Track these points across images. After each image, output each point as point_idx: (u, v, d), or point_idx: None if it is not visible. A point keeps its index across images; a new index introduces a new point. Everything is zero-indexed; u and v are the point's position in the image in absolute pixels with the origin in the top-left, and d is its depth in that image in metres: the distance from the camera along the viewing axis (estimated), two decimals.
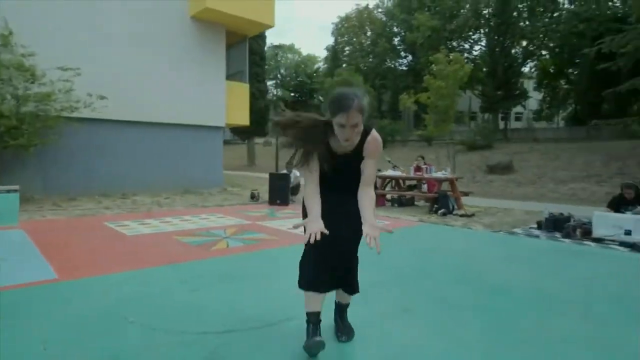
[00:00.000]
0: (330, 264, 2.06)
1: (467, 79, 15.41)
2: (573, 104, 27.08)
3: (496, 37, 25.43)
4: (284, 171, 9.29)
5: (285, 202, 8.67)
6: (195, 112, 11.08)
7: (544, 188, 13.74)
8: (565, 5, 24.49)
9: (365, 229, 1.87)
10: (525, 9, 25.40)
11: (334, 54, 31.31)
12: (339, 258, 2.09)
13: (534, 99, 30.80)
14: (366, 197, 2.01)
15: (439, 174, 8.62)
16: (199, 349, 2.10)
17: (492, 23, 25.40)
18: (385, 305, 2.80)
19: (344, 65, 29.32)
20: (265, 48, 26.76)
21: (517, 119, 34.92)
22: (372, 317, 2.57)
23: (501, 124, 26.97)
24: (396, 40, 32.78)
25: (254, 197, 9.61)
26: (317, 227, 1.84)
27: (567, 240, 5.47)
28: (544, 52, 26.98)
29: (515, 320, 2.61)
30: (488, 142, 20.41)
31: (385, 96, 31.91)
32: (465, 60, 18.21)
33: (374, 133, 2.03)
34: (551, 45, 25.73)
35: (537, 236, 5.75)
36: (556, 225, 6.01)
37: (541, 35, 25.11)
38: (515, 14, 24.54)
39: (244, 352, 2.10)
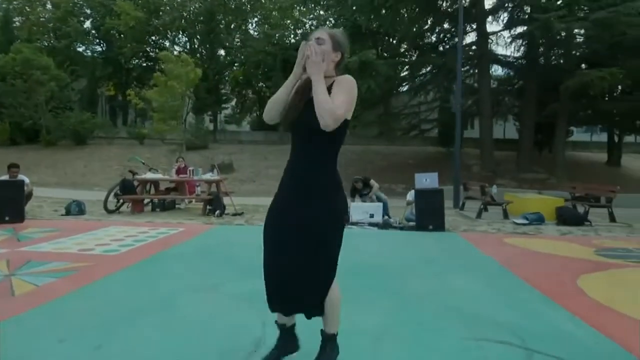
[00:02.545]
0: (279, 277, 1.87)
1: (198, 81, 15.83)
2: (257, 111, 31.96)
3: (201, 43, 26.81)
4: (5, 177, 7.21)
5: (19, 217, 6.69)
6: None
7: (265, 185, 15.97)
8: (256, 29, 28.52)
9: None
10: (223, 23, 27.82)
11: (5, 23, 24.53)
12: (287, 268, 1.85)
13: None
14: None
15: (207, 176, 8.82)
16: None
17: (198, 27, 26.57)
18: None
19: (19, 40, 23.44)
20: None
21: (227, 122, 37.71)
22: None
23: (211, 126, 28.70)
24: (88, 23, 29.04)
25: None
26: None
27: None
28: (236, 64, 30.37)
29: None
30: (204, 143, 21.46)
31: (77, 84, 27.71)
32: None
33: (343, 76, 1.87)
34: (242, 57, 29.27)
35: None
36: None
37: (235, 49, 28.23)
38: (220, 24, 26.58)
39: None
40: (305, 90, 1.87)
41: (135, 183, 8.54)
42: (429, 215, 6.62)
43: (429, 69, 16.47)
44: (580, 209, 8.40)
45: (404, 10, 14.59)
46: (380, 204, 7.37)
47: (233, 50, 28.15)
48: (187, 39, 28.76)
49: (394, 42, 17.48)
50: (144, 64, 29.44)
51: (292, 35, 26.94)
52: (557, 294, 3.36)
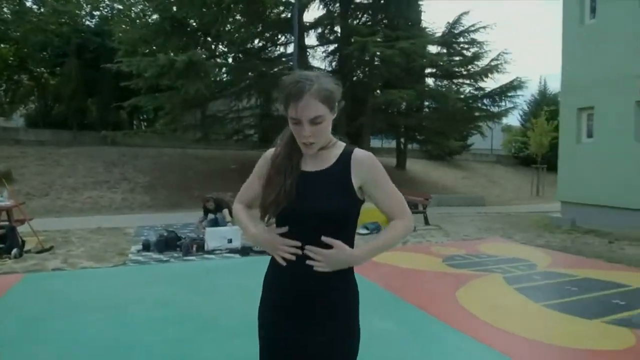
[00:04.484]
0: None
1: None
2: (51, 105, 26.17)
3: None
4: None
5: None
6: None
7: (62, 199, 13.00)
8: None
9: (340, 246, 1.33)
10: None
11: None
12: None
13: None
14: (387, 228, 1.44)
15: None
16: None
17: None
18: None
19: None
20: None
21: None
22: None
23: None
24: None
25: None
26: (276, 240, 1.37)
27: (193, 257, 6.11)
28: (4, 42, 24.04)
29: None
30: None
31: None
32: None
33: (361, 151, 1.44)
34: (16, 34, 23.42)
35: (165, 260, 5.96)
36: (169, 244, 6.44)
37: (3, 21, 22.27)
38: None
39: None
40: (292, 165, 1.42)
41: None
42: None
43: (252, 74, 16.32)
44: None
45: (232, 12, 14.02)
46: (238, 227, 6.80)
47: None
48: None
49: (218, 43, 16.64)
50: None
51: (88, 17, 22.80)
52: (453, 318, 3.61)
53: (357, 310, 1.44)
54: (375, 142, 28.11)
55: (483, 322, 3.69)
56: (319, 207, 1.34)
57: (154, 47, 15.66)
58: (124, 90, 15.55)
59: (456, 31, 17.38)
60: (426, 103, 19.54)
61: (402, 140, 22.86)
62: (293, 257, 1.34)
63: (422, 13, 19.94)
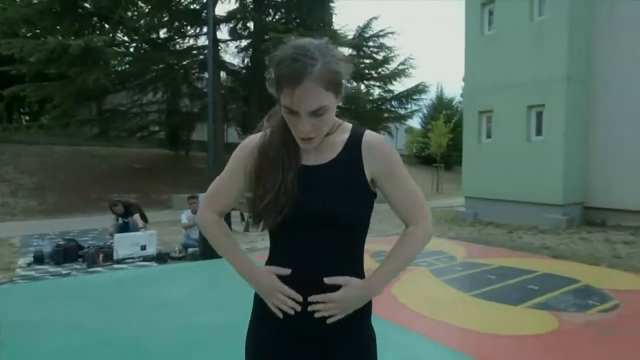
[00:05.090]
0: None
1: None
2: None
3: None
4: None
5: None
6: None
7: None
8: None
9: (349, 282, 1.08)
10: None
11: None
12: None
13: None
14: (402, 241, 1.17)
15: None
16: None
17: None
18: None
19: None
20: None
21: None
22: None
23: None
24: None
25: None
26: (276, 287, 1.08)
27: (100, 268, 5.34)
28: None
29: None
30: None
31: None
32: None
33: (372, 134, 1.14)
34: None
35: (64, 273, 5.13)
36: (68, 255, 5.58)
37: None
38: None
39: None
40: (290, 156, 1.10)
41: None
42: None
43: (159, 66, 15.12)
44: None
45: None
46: (154, 232, 6.13)
47: None
48: None
49: (117, 30, 15.05)
50: None
51: None
52: (394, 314, 3.61)
53: (370, 319, 1.20)
54: None
55: (422, 315, 3.74)
56: (328, 210, 1.06)
57: (38, 30, 13.69)
58: (3, 77, 13.34)
59: (366, 35, 18.01)
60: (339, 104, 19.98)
61: None
62: (291, 311, 1.07)
63: (334, 15, 20.34)
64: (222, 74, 17.90)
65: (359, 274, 1.14)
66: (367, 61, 17.65)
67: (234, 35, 17.66)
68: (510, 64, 9.83)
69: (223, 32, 17.94)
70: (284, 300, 1.07)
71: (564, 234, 8.29)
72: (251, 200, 1.12)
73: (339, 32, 18.73)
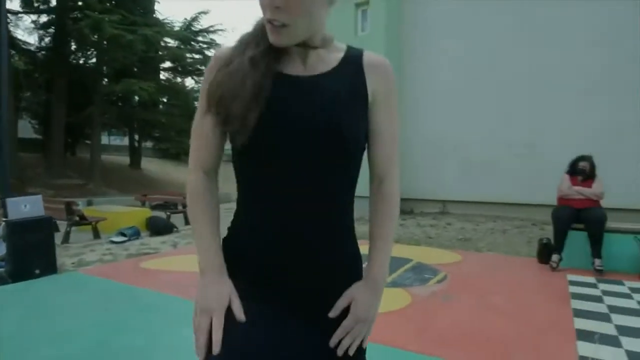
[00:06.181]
0: None
1: None
2: None
3: None
4: None
5: None
6: None
7: None
8: None
9: (354, 294, 0.97)
10: None
11: None
12: None
13: None
14: (382, 208, 1.02)
15: None
16: None
17: None
18: None
19: None
20: None
21: None
22: None
23: None
24: None
25: None
26: (214, 318, 0.85)
27: None
28: None
29: None
30: None
31: None
32: None
33: (374, 53, 0.98)
34: None
35: None
36: None
37: None
38: None
39: None
40: (263, 56, 0.86)
41: None
42: (32, 255, 4.83)
43: None
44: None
45: None
46: None
47: None
48: None
49: None
50: None
51: None
52: None
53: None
54: (102, 139, 24.79)
55: None
56: (328, 121, 0.83)
57: None
58: None
59: (195, 29, 17.25)
60: (163, 99, 18.59)
61: (137, 137, 21.02)
62: (201, 351, 0.85)
63: (157, 3, 18.84)
64: (13, 54, 14.60)
65: (350, 229, 1.01)
66: (197, 56, 16.92)
67: (29, 7, 14.59)
68: None
69: (14, 2, 14.66)
70: (202, 343, 0.84)
71: None
72: (217, 113, 0.85)
73: (163, 21, 17.45)
